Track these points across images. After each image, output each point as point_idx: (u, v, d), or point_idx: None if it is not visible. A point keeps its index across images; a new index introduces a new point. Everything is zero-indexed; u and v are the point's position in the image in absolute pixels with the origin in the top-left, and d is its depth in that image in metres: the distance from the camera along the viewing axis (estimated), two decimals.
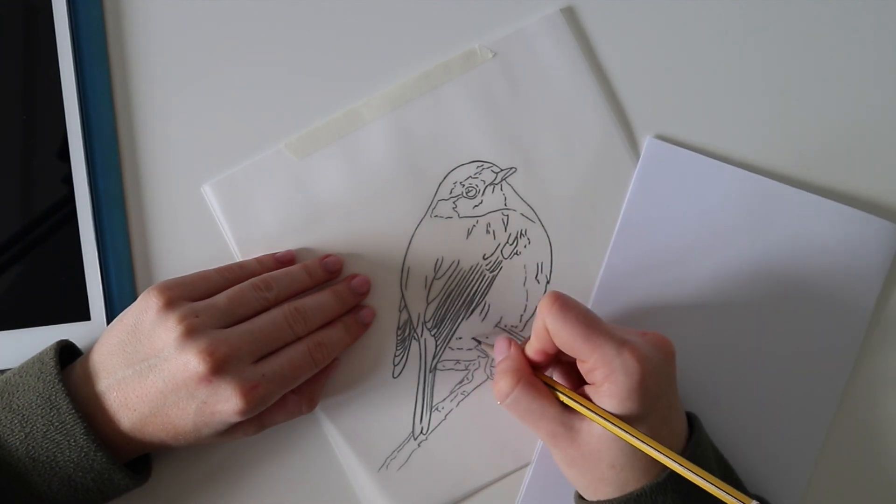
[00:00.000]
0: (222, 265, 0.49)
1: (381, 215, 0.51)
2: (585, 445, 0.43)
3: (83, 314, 0.49)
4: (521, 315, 0.52)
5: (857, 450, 0.51)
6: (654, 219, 0.51)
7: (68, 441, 0.42)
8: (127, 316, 0.45)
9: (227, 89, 0.52)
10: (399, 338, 0.51)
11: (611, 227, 0.51)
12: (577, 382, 0.46)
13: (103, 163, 0.49)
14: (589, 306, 0.47)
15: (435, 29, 0.51)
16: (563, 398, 0.44)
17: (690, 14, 0.52)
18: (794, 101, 0.52)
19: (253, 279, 0.48)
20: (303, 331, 0.47)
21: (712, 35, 0.52)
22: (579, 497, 0.47)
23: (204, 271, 0.48)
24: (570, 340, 0.43)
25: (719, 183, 0.51)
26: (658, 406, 0.42)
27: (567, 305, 0.43)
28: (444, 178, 0.52)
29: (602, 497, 0.44)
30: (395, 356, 0.51)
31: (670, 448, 0.42)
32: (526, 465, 0.51)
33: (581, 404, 0.43)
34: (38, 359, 0.45)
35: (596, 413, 0.42)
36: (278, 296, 0.48)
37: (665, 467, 0.42)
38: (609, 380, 0.42)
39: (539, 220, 0.51)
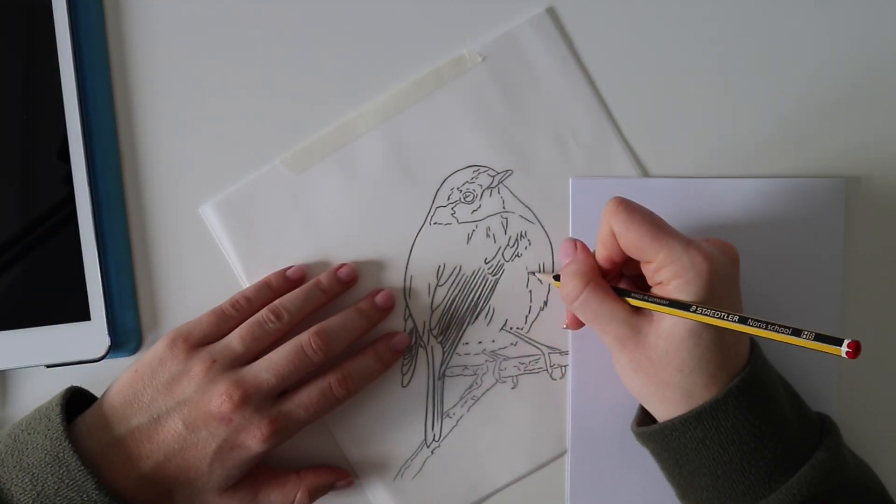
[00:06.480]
0: (235, 295, 0.48)
1: (381, 225, 0.51)
2: (653, 349, 0.42)
3: (83, 314, 0.48)
4: (527, 316, 0.51)
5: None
6: None
7: (80, 496, 0.42)
8: (142, 365, 0.46)
9: (223, 98, 0.51)
10: None
11: None
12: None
13: (103, 163, 0.49)
14: None
15: (423, 36, 0.51)
16: (634, 301, 0.43)
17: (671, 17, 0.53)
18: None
19: (264, 310, 0.47)
20: (325, 357, 0.47)
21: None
22: (637, 424, 0.46)
23: (216, 308, 0.48)
24: (636, 240, 0.42)
25: (654, 198, 0.50)
26: (725, 308, 0.41)
27: (632, 207, 0.43)
28: (441, 184, 0.52)
29: (665, 409, 0.43)
30: (403, 365, 0.51)
31: (732, 364, 0.42)
32: (538, 468, 0.51)
33: (654, 300, 0.42)
34: (45, 414, 0.44)
35: (671, 304, 0.41)
36: (292, 320, 0.47)
37: (731, 375, 0.42)
38: (678, 277, 0.41)
39: (538, 220, 0.51)
